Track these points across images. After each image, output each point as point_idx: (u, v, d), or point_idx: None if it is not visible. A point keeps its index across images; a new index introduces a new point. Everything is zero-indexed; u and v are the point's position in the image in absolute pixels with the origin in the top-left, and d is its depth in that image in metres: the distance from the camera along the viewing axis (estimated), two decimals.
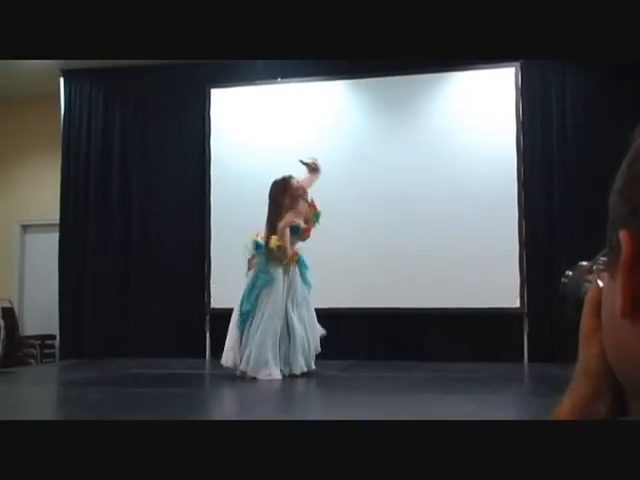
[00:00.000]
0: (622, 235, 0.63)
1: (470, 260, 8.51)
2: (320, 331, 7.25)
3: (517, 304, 8.49)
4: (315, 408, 5.71)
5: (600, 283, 0.70)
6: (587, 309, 0.72)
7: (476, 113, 8.87)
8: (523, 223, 8.59)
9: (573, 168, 8.55)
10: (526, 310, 8.51)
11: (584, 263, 0.75)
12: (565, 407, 0.74)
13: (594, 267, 0.72)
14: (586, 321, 0.72)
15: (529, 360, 8.42)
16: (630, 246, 0.62)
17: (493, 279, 8.44)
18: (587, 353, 0.72)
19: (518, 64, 8.70)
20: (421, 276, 8.61)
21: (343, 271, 8.73)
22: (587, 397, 0.72)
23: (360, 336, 8.71)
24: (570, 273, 0.77)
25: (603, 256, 0.70)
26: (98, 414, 4.89)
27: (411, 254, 8.65)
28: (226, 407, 5.71)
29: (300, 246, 7.38)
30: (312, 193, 7.54)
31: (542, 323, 8.44)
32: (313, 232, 7.49)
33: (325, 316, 7.43)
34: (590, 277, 0.73)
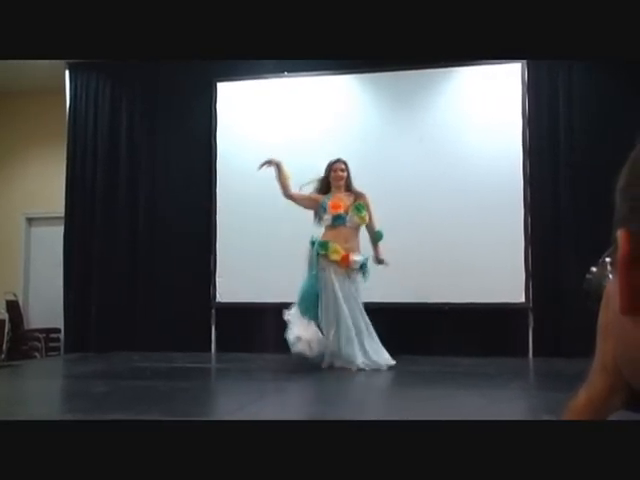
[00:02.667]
0: (619, 234, 0.63)
1: (476, 255, 8.51)
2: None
3: (522, 299, 8.48)
4: (320, 403, 5.70)
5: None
6: (604, 303, 0.71)
7: (482, 108, 8.84)
8: (529, 219, 8.57)
9: (579, 164, 8.52)
10: (531, 305, 8.51)
11: (607, 259, 0.75)
12: (580, 401, 0.73)
13: (607, 263, 0.72)
14: (603, 315, 0.71)
15: (534, 355, 8.43)
16: (627, 245, 0.62)
17: (499, 274, 8.44)
18: (603, 347, 0.71)
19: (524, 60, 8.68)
20: (427, 271, 8.61)
21: None
22: (603, 391, 0.72)
23: None
24: (594, 269, 0.77)
25: (610, 253, 0.70)
26: (103, 408, 4.90)
27: (416, 249, 8.64)
28: (230, 402, 5.71)
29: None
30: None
31: (547, 318, 8.46)
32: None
33: None
34: (609, 272, 0.73)
